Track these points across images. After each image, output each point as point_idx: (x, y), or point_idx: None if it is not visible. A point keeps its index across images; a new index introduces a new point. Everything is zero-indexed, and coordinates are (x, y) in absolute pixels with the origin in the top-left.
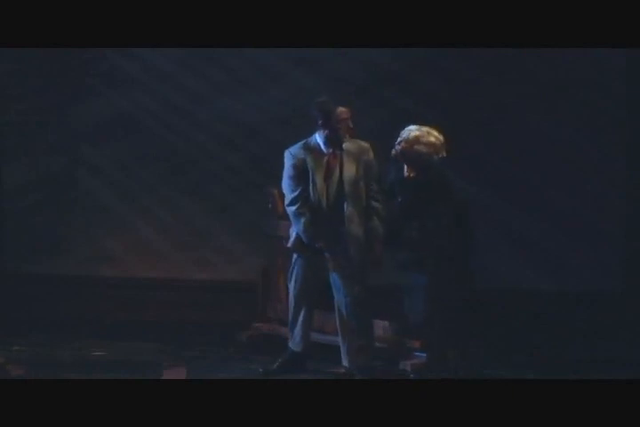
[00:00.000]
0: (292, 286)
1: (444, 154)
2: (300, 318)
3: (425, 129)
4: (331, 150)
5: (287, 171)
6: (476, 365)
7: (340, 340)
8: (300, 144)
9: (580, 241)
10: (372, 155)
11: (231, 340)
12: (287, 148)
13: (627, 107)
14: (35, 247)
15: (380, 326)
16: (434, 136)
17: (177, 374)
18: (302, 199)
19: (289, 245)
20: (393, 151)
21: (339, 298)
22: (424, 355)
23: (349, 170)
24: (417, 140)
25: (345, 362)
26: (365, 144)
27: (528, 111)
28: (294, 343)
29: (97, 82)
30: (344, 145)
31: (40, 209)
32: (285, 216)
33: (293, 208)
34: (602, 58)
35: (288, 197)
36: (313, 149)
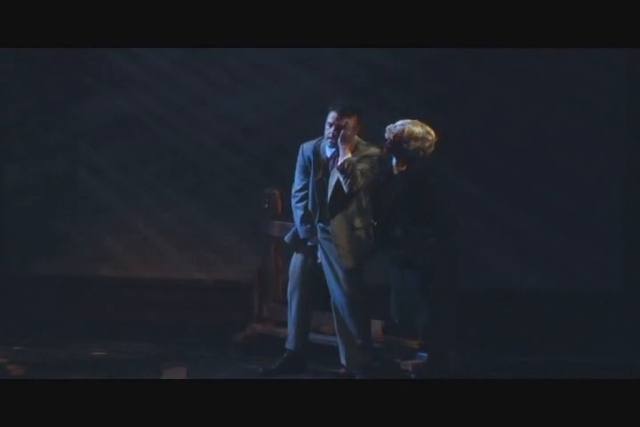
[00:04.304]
0: (288, 283)
1: (430, 150)
2: (293, 316)
3: (417, 123)
4: (333, 155)
5: (297, 163)
6: (476, 365)
7: (338, 340)
8: (314, 141)
9: (580, 241)
10: (372, 164)
11: (231, 340)
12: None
13: (627, 107)
14: (35, 247)
15: (378, 326)
16: (427, 131)
17: (177, 374)
18: (302, 195)
19: (285, 238)
20: (385, 146)
21: (335, 298)
22: (425, 355)
23: None
24: (412, 135)
25: (344, 362)
26: (373, 150)
27: (528, 111)
28: (288, 341)
29: (97, 82)
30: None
31: (40, 209)
32: (282, 217)
33: (294, 201)
34: (602, 58)
35: (294, 188)
36: (319, 151)
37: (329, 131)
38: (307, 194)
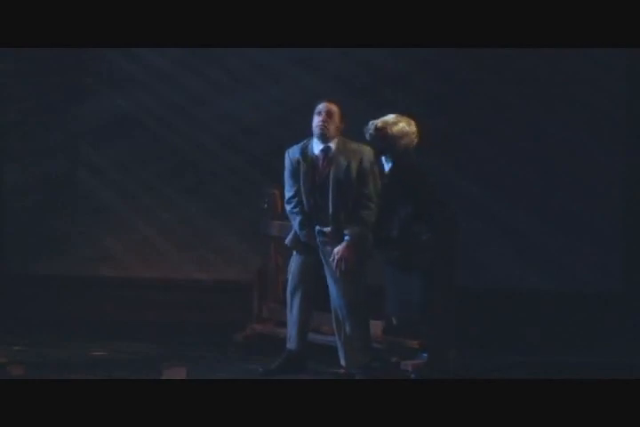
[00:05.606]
0: (288, 283)
1: (415, 141)
2: (293, 316)
3: (397, 119)
4: (322, 153)
5: (285, 170)
6: (476, 365)
7: (337, 341)
8: (299, 144)
9: (580, 241)
10: (367, 159)
11: (231, 340)
12: (287, 147)
13: (627, 107)
14: (35, 247)
15: (378, 326)
16: (407, 123)
17: (177, 374)
18: (296, 199)
19: (287, 242)
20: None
21: (334, 299)
22: (425, 355)
23: (338, 173)
24: (399, 133)
25: (343, 363)
26: (364, 148)
27: (528, 111)
28: (288, 341)
29: (97, 82)
30: (337, 147)
31: (40, 209)
32: (282, 216)
33: (289, 207)
34: (602, 58)
35: (286, 195)
36: (307, 151)
37: (318, 119)
38: (301, 198)
